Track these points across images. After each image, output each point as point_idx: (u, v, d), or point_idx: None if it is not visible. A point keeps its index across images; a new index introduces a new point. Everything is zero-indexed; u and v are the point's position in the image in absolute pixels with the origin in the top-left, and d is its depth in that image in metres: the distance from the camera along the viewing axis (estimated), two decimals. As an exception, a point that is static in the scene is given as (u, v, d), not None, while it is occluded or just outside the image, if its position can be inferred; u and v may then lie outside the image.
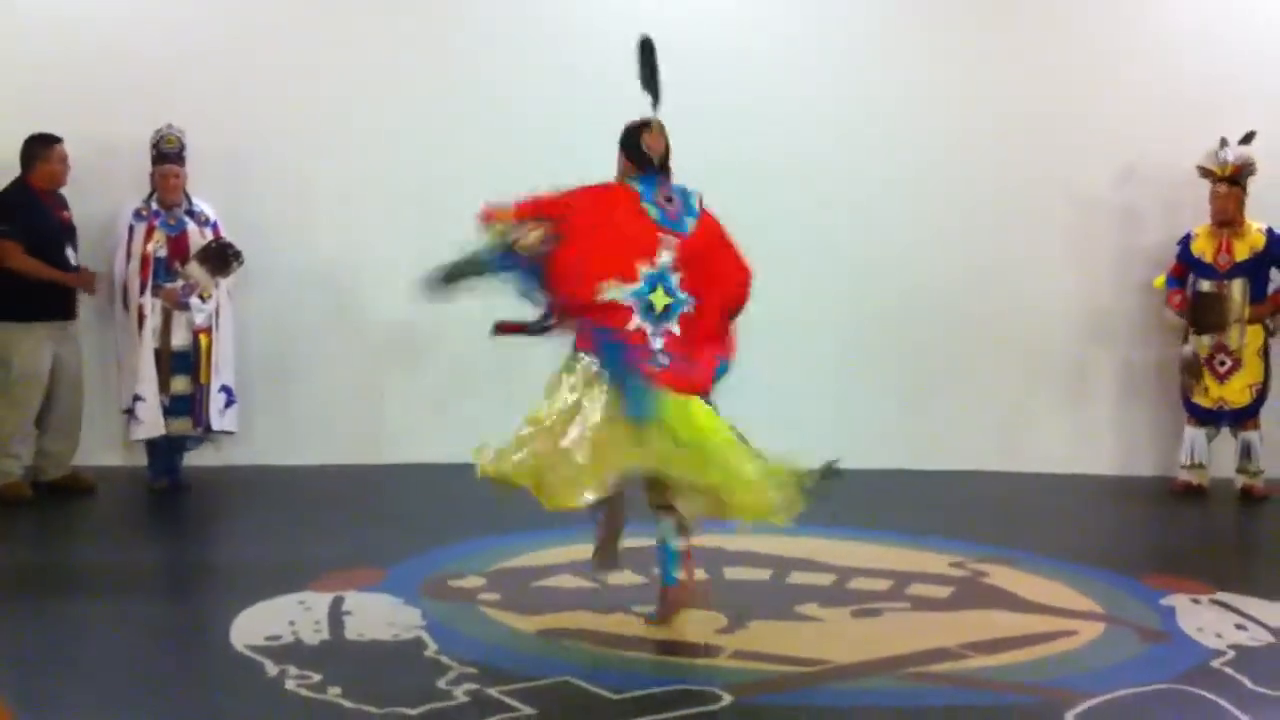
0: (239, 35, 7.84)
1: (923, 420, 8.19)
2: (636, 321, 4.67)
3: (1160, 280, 7.90)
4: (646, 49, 4.93)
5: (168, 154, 7.15)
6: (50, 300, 7.03)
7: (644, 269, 4.69)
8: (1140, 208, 8.22)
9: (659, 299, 4.69)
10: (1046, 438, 8.27)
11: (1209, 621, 5.06)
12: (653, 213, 4.75)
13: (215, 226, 7.24)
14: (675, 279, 4.72)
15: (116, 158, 7.45)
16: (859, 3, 8.32)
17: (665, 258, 4.71)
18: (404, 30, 8.00)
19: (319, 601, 5.08)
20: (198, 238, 7.16)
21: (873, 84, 8.09)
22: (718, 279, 4.83)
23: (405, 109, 7.98)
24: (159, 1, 7.84)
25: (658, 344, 4.69)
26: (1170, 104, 8.05)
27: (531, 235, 4.69)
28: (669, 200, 4.79)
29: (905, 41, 8.19)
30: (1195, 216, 7.79)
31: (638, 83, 4.92)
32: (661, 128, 4.86)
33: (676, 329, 4.72)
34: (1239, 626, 5.00)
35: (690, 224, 4.79)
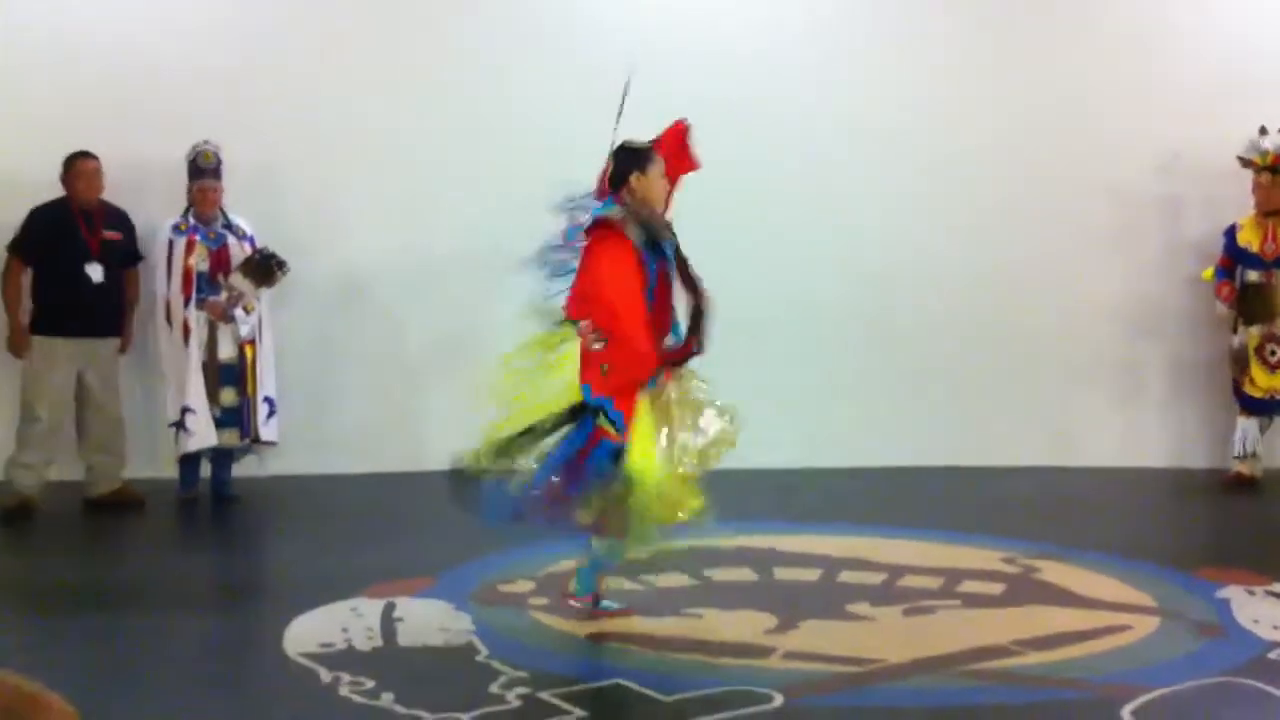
0: (268, 51, 7.85)
1: (974, 418, 8.14)
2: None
3: (1209, 273, 7.82)
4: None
5: (205, 169, 7.16)
6: (72, 316, 7.04)
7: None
8: (1184, 200, 8.16)
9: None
10: (1098, 432, 8.21)
11: (1265, 613, 5.01)
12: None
13: (252, 241, 7.27)
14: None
15: (147, 174, 7.44)
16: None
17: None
18: (434, 43, 8.01)
19: (371, 608, 5.10)
20: (237, 251, 7.19)
21: (907, 84, 8.05)
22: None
23: (437, 121, 8.01)
24: (191, 21, 7.86)
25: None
26: (1208, 94, 7.97)
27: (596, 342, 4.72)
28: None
29: (940, 40, 8.14)
30: (1239, 208, 7.71)
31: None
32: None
33: None
34: (1296, 618, 4.95)
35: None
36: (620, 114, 4.94)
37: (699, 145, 5.13)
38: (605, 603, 5.05)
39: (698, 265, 4.82)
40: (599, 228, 4.77)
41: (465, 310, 8.06)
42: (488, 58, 8.07)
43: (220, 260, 7.17)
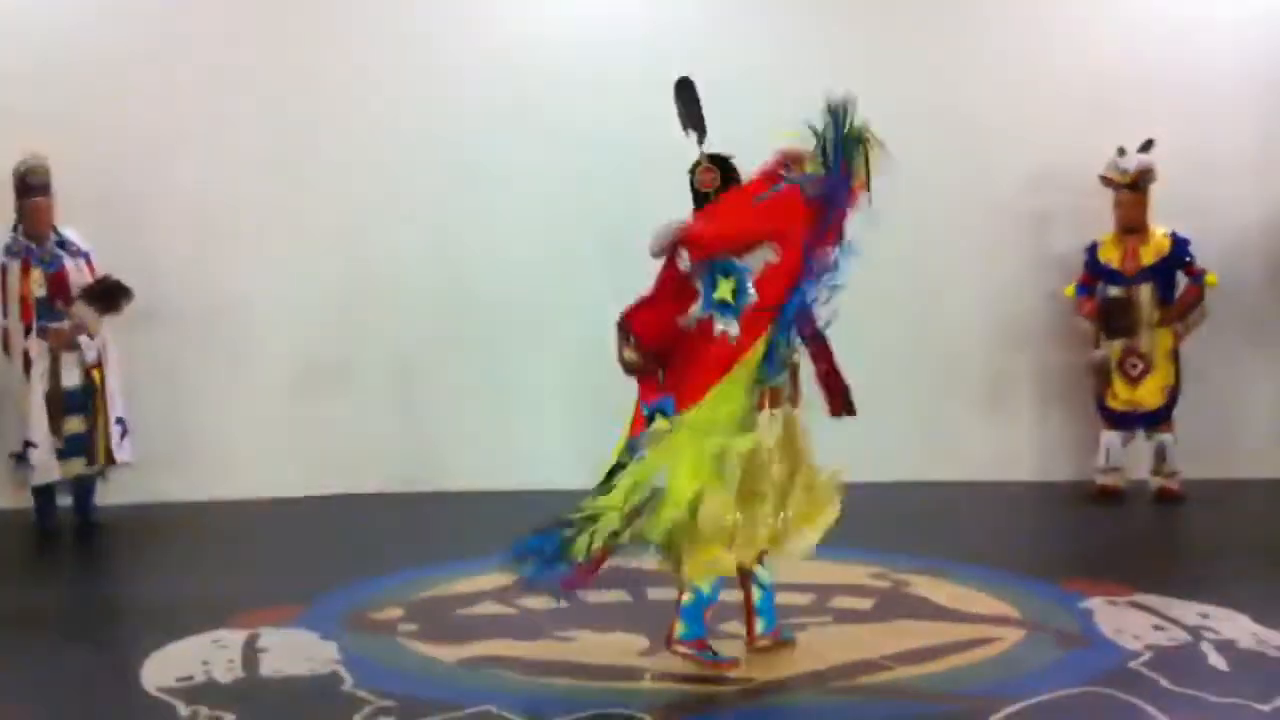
0: (116, 59, 7.75)
1: (839, 433, 8.16)
2: (719, 328, 4.54)
3: (1071, 289, 7.99)
4: (685, 87, 4.90)
5: (35, 185, 6.94)
6: None
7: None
8: (1051, 214, 8.32)
9: (723, 290, 4.54)
10: (965, 446, 8.32)
11: (1127, 623, 5.10)
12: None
13: (88, 257, 7.07)
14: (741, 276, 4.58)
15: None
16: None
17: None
18: (295, 58, 7.96)
19: (234, 639, 4.99)
20: (75, 273, 7.00)
21: (776, 89, 8.09)
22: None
23: (298, 139, 7.95)
24: (29, 16, 7.67)
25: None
26: (1077, 111, 8.15)
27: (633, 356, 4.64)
28: None
29: (811, 48, 8.17)
30: (1104, 223, 7.89)
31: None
32: (713, 160, 4.80)
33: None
34: (1156, 627, 5.04)
35: None
36: (699, 119, 4.86)
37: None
38: (708, 653, 4.64)
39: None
40: None
41: (330, 331, 8.00)
42: (353, 71, 8.02)
43: (58, 283, 6.95)
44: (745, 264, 4.56)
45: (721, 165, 4.82)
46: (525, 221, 8.05)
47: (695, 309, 4.54)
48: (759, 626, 4.85)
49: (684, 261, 4.53)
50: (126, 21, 7.85)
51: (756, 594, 4.86)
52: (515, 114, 7.97)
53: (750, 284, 4.56)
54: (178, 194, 7.86)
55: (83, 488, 7.15)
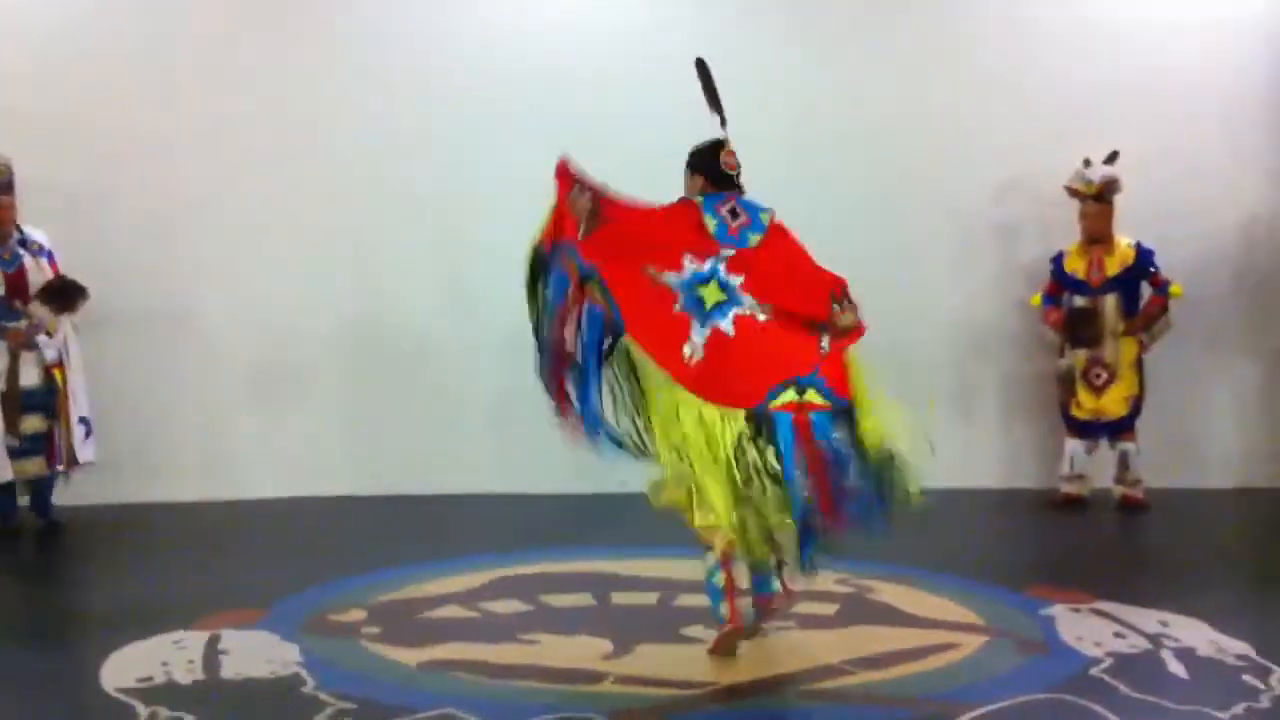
0: (77, 61, 7.74)
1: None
2: (680, 306, 4.55)
3: (1037, 299, 8.03)
4: (702, 69, 4.93)
5: None
6: None
7: (691, 265, 4.59)
8: (1017, 224, 8.37)
9: (710, 293, 4.55)
10: (930, 453, 8.31)
11: (1088, 630, 5.12)
12: (711, 224, 4.68)
13: (51, 256, 7.04)
14: (734, 281, 4.59)
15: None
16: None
17: (719, 263, 4.61)
18: (250, 60, 7.97)
19: (195, 641, 4.96)
20: (35, 271, 6.97)
21: (747, 100, 8.09)
22: (793, 291, 4.66)
23: (270, 137, 7.96)
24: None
25: (699, 337, 4.52)
26: (1044, 121, 8.19)
27: (583, 199, 4.66)
28: (734, 214, 4.73)
29: (782, 60, 8.21)
30: (1069, 233, 7.94)
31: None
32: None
33: (730, 329, 4.54)
34: (1117, 634, 5.07)
35: (755, 239, 4.71)
36: (719, 101, 4.92)
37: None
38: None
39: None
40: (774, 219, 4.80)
41: (295, 332, 7.98)
42: (316, 71, 8.02)
43: (16, 282, 6.91)
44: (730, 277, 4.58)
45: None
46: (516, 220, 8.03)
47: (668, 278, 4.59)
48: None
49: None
50: (107, 24, 7.84)
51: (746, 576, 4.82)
52: (515, 114, 7.98)
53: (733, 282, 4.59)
54: (140, 194, 7.83)
55: (40, 488, 7.10)
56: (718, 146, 4.86)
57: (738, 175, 4.85)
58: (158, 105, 7.86)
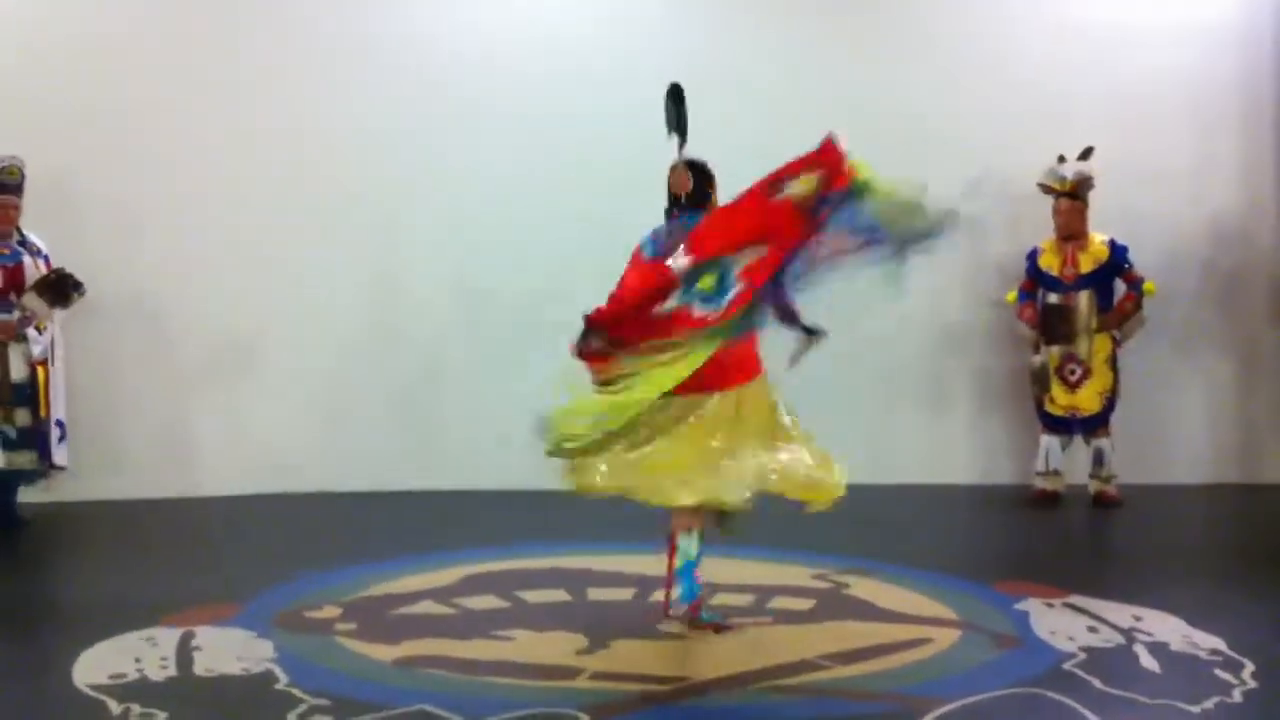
0: (58, 59, 7.70)
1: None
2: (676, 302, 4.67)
3: (1012, 295, 8.06)
4: (676, 95, 5.03)
5: (8, 185, 6.98)
6: None
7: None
8: (987, 221, 8.37)
9: (705, 282, 4.66)
10: (906, 450, 8.37)
11: (1062, 625, 5.15)
12: (648, 252, 4.88)
13: (47, 259, 7.07)
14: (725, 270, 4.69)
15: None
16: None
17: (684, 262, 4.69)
18: (228, 62, 7.97)
19: (167, 638, 4.93)
20: (32, 270, 6.99)
21: (717, 100, 8.11)
22: (731, 218, 4.79)
23: (242, 132, 7.93)
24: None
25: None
26: (1014, 118, 8.23)
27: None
28: (669, 233, 4.87)
29: (755, 57, 8.22)
30: (1038, 229, 7.96)
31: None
32: (687, 167, 4.96)
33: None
34: (1090, 629, 5.09)
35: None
36: (682, 125, 5.00)
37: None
38: (706, 614, 5.07)
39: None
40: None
41: (257, 331, 7.96)
42: (290, 69, 8.00)
43: (13, 278, 6.94)
44: (731, 258, 4.61)
45: (698, 171, 4.97)
46: (516, 221, 8.07)
47: (673, 299, 4.65)
48: (676, 593, 5.01)
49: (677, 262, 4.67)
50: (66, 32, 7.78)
51: (678, 561, 5.01)
52: (514, 113, 7.98)
53: (735, 274, 4.65)
54: (104, 189, 7.79)
55: (7, 485, 7.06)
56: (671, 170, 4.97)
57: (690, 196, 4.94)
58: (129, 101, 7.82)
